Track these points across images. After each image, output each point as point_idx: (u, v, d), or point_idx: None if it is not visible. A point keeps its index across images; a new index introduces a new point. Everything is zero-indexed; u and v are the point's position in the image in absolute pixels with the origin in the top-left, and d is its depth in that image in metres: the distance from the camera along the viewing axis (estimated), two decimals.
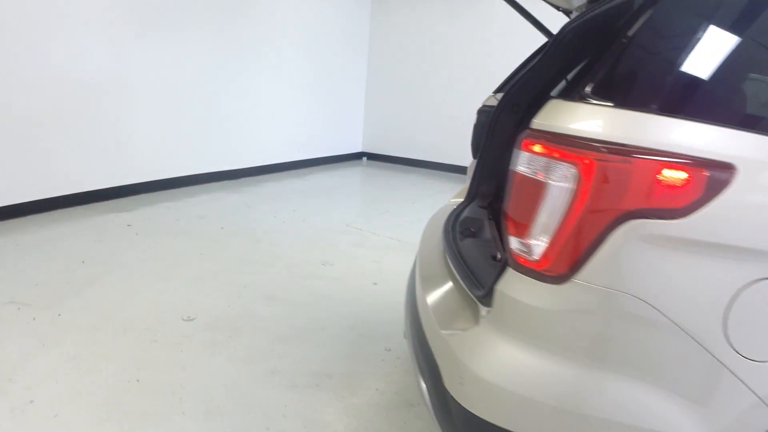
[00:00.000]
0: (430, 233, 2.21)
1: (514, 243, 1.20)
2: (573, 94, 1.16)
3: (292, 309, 3.00)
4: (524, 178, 1.18)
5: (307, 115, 7.45)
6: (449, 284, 1.66)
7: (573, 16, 2.30)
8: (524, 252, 1.17)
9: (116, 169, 5.09)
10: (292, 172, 7.24)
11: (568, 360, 1.10)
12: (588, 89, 1.14)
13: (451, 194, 6.66)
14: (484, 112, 2.62)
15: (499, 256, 1.63)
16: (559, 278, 1.10)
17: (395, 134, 8.50)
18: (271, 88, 6.71)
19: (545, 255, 1.12)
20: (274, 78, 6.73)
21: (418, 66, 8.21)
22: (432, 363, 1.39)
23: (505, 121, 2.56)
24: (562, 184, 1.09)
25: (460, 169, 8.02)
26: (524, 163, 1.18)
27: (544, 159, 1.12)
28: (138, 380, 2.24)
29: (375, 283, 3.48)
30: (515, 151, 1.22)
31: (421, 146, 8.33)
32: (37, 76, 4.33)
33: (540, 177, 1.13)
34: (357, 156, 8.69)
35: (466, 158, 7.97)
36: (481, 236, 1.97)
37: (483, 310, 1.32)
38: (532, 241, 1.15)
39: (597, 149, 1.04)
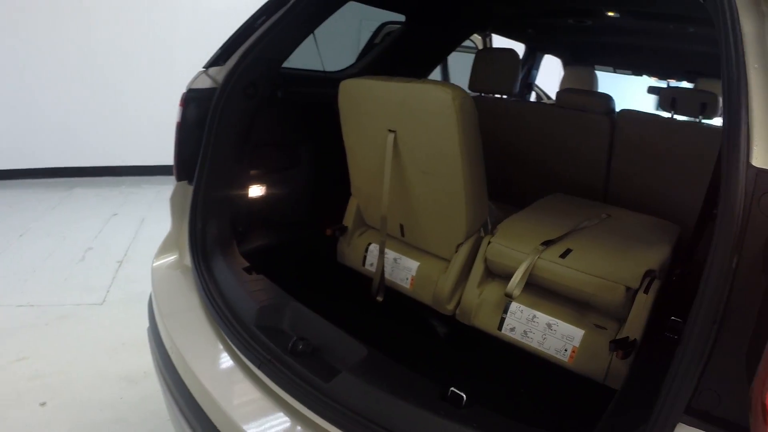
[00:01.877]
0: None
1: None
2: None
3: None
4: None
5: None
6: None
7: None
8: None
9: None
10: None
11: None
12: None
13: (64, 207, 5.33)
14: (195, 100, 1.73)
15: (462, 395, 1.07)
16: None
17: None
18: None
19: None
20: None
21: None
22: None
23: (236, 111, 1.68)
24: None
25: (58, 172, 6.44)
26: None
27: None
28: None
29: (43, 403, 2.45)
30: None
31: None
32: None
33: None
34: None
35: (66, 157, 6.44)
36: (332, 348, 1.23)
37: None
38: None
39: None
